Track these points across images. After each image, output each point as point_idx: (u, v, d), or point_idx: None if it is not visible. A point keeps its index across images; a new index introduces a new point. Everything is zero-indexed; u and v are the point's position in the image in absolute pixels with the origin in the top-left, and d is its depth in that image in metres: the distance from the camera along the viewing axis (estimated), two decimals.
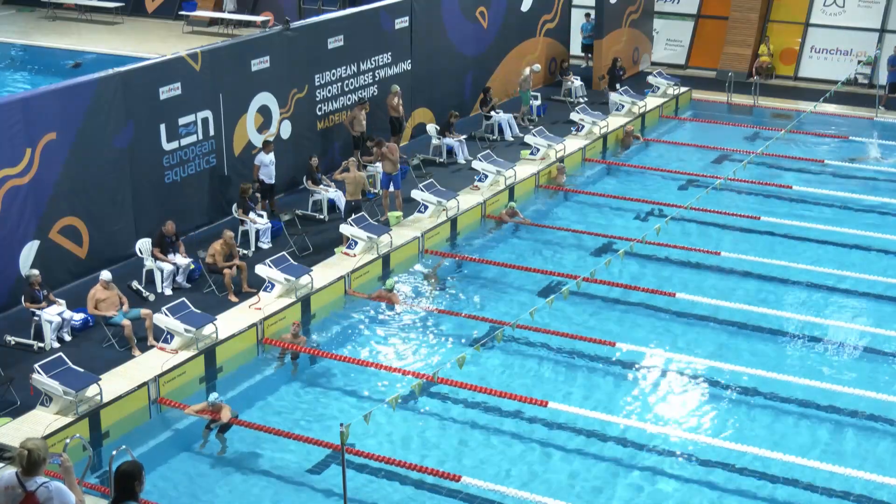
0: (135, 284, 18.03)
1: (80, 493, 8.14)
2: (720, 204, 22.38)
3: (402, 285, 19.17)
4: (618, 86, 27.94)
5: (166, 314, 16.30)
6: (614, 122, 26.94)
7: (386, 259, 19.71)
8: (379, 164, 21.66)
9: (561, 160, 24.40)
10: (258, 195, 20.37)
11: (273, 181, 20.84)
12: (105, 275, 16.80)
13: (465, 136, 25.13)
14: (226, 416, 14.64)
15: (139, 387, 15.37)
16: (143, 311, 16.73)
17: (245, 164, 21.12)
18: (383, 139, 21.70)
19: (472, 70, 27.21)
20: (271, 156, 20.66)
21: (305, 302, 18.00)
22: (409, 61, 25.07)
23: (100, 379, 15.02)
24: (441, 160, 24.60)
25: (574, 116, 26.35)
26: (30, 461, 7.87)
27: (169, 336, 16.32)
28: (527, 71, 27.34)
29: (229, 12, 36.18)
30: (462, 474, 13.82)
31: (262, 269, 17.96)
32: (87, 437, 14.40)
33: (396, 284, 18.81)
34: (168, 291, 18.08)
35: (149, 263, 18.33)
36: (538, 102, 28.10)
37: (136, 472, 8.02)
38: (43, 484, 7.90)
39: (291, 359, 16.94)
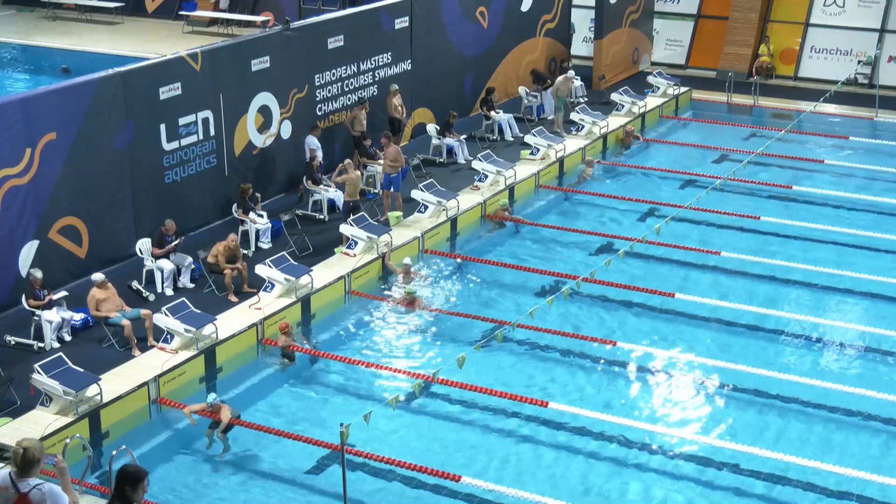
0: (135, 284, 18.04)
1: (74, 495, 8.08)
2: (720, 204, 22.38)
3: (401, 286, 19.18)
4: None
5: (166, 314, 16.30)
6: (614, 122, 26.94)
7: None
8: (379, 165, 21.68)
9: (553, 155, 24.43)
10: (258, 195, 20.39)
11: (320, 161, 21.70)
12: (98, 276, 16.78)
13: (465, 136, 25.13)
14: (225, 416, 14.63)
15: (139, 387, 15.37)
16: (143, 312, 16.73)
17: (245, 164, 21.13)
18: (390, 139, 21.67)
19: (472, 70, 27.19)
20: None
21: (305, 302, 17.99)
22: (409, 61, 25.07)
23: (100, 379, 15.02)
24: (441, 160, 24.60)
25: (574, 116, 26.34)
26: (24, 460, 7.84)
27: (169, 336, 16.31)
28: (560, 78, 27.00)
29: (221, 10, 36.21)
30: (462, 474, 13.81)
31: (262, 269, 17.95)
32: (87, 437, 14.40)
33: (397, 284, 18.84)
34: (169, 291, 18.08)
35: (149, 263, 18.33)
36: (538, 102, 28.10)
37: (131, 476, 7.96)
38: (37, 486, 7.85)
39: (288, 359, 16.89)
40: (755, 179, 23.96)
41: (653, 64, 32.21)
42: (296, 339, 17.13)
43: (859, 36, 30.76)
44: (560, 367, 16.85)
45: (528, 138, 24.72)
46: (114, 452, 13.07)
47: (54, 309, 16.66)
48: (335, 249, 19.75)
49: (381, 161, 21.45)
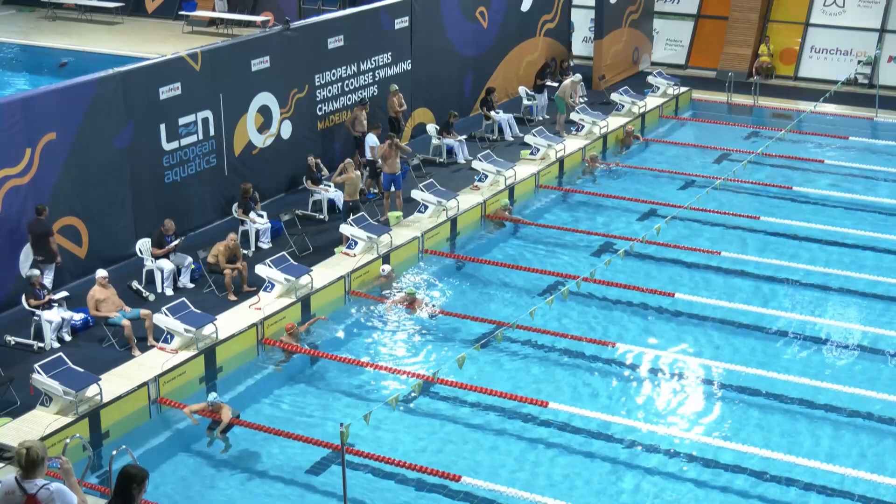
0: (135, 284, 18.03)
1: (81, 494, 8.11)
2: (720, 204, 22.39)
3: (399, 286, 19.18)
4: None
5: (166, 314, 16.30)
6: (614, 122, 26.94)
7: (386, 259, 19.69)
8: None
9: (553, 155, 24.42)
10: (258, 195, 20.39)
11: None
12: (101, 272, 16.79)
13: (465, 136, 25.12)
14: (226, 416, 14.64)
15: (139, 387, 15.37)
16: (143, 312, 16.73)
17: (245, 164, 21.13)
18: (395, 138, 21.60)
19: (472, 70, 27.20)
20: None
21: (305, 302, 17.99)
22: (409, 61, 25.07)
23: (100, 379, 15.02)
24: (441, 160, 24.60)
25: (574, 116, 26.33)
26: (29, 460, 7.85)
27: (169, 336, 16.31)
28: (567, 82, 26.96)
29: (219, 11, 36.23)
30: (462, 474, 13.82)
31: (262, 269, 17.95)
32: (87, 437, 14.40)
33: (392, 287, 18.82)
34: (169, 291, 18.08)
35: (149, 263, 18.33)
36: (538, 102, 28.08)
37: (137, 476, 7.98)
38: (44, 486, 7.86)
39: (285, 358, 16.89)
40: (755, 179, 23.97)
41: (653, 64, 32.20)
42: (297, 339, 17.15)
43: (859, 36, 30.76)
44: (560, 368, 16.85)
45: (528, 138, 24.72)
46: (114, 452, 13.07)
47: (54, 309, 16.66)
48: (335, 249, 19.75)
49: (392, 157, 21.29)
